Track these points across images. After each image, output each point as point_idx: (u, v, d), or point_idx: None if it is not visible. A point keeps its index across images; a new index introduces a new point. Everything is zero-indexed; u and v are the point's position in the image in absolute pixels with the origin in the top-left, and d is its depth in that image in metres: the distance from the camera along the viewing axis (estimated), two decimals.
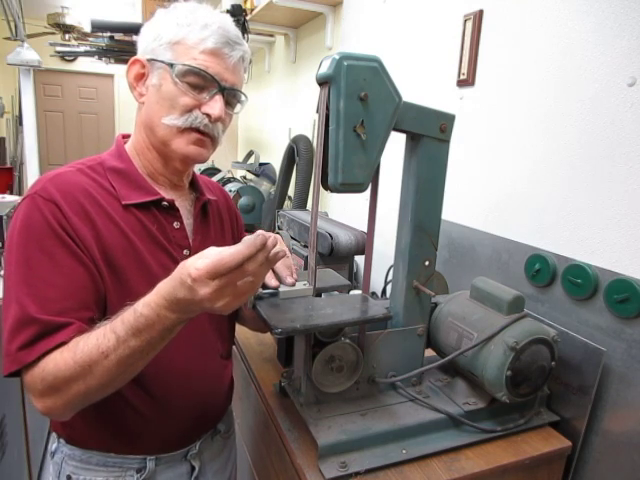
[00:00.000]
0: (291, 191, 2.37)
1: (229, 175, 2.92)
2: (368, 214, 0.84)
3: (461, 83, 1.28)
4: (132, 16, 4.29)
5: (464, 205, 1.26)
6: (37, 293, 0.67)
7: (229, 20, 0.80)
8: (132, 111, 0.86)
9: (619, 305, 0.84)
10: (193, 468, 0.89)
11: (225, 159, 3.42)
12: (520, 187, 1.10)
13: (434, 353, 0.98)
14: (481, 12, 1.20)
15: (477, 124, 1.23)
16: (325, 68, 0.70)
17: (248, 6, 2.57)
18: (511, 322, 0.82)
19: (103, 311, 0.73)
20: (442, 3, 1.36)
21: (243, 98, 0.85)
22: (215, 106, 0.77)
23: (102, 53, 3.13)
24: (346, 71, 0.68)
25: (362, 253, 1.43)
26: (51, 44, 3.65)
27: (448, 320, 0.92)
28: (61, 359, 0.63)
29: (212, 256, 0.56)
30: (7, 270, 0.70)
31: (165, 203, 0.81)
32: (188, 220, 0.86)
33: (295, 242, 1.60)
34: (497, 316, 0.85)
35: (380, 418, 0.82)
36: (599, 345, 0.86)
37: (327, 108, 0.71)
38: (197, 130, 0.78)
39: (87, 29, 3.63)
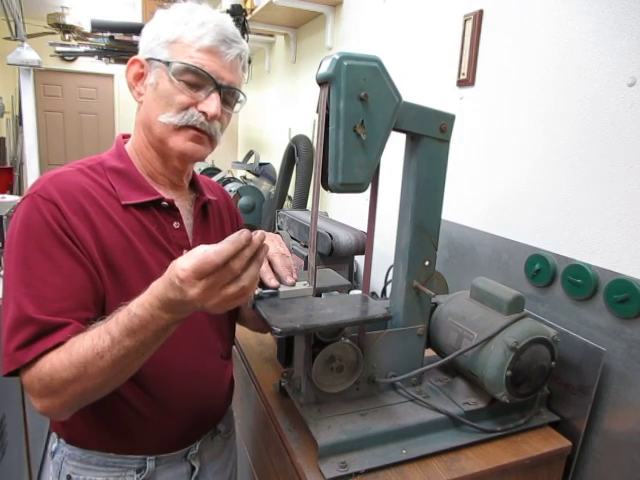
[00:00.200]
0: (291, 191, 2.37)
1: (229, 175, 2.92)
2: (368, 214, 0.84)
3: (461, 83, 1.28)
4: (132, 16, 4.30)
5: (464, 205, 1.26)
6: (35, 293, 0.67)
7: (227, 19, 0.80)
8: (132, 111, 0.86)
9: (619, 305, 0.84)
10: (193, 468, 0.89)
11: (225, 159, 3.42)
12: (520, 187, 1.10)
13: (434, 353, 0.98)
14: (481, 12, 1.20)
15: (477, 124, 1.22)
16: (325, 68, 0.70)
17: (248, 6, 2.57)
18: (511, 322, 0.82)
19: (102, 311, 0.73)
20: (442, 3, 1.36)
21: (242, 97, 0.85)
22: (211, 104, 0.77)
23: (102, 53, 3.13)
24: (346, 71, 0.68)
25: (362, 253, 1.43)
26: (51, 44, 3.65)
27: (448, 320, 0.92)
28: (57, 360, 0.63)
29: (198, 255, 0.55)
30: (6, 270, 0.70)
31: (165, 203, 0.81)
32: (188, 220, 0.86)
33: (295, 242, 1.60)
34: (497, 316, 0.85)
35: (380, 418, 0.82)
36: (599, 345, 0.86)
37: (327, 108, 0.71)
38: (194, 128, 0.78)
39: (87, 29, 3.63)
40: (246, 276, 0.59)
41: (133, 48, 2.82)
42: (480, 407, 0.86)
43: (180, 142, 0.78)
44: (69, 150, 6.12)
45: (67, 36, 4.46)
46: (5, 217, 1.83)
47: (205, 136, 0.80)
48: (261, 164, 2.87)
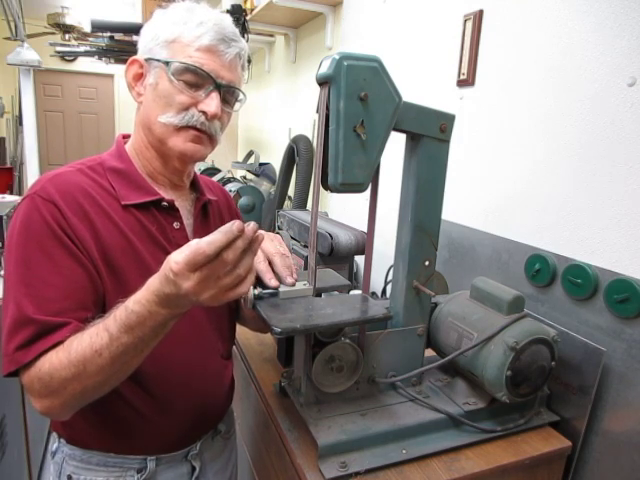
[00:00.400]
0: (291, 191, 2.37)
1: (229, 175, 2.92)
2: (368, 214, 0.84)
3: (461, 83, 1.28)
4: (132, 16, 4.29)
5: (464, 205, 1.26)
6: (35, 293, 0.67)
7: (226, 18, 0.80)
8: (132, 111, 0.86)
9: (619, 305, 0.84)
10: (194, 468, 0.89)
11: (225, 159, 3.42)
12: (520, 187, 1.10)
13: (434, 353, 0.98)
14: (481, 12, 1.20)
15: (477, 124, 1.22)
16: (325, 68, 0.70)
17: (248, 6, 2.57)
18: (511, 322, 0.82)
19: (102, 311, 0.73)
20: (442, 3, 1.36)
21: (241, 96, 0.85)
22: (211, 103, 0.77)
23: (102, 53, 3.13)
24: (346, 71, 0.68)
25: (362, 253, 1.43)
26: (51, 44, 3.66)
27: (448, 320, 0.92)
28: (56, 359, 0.63)
29: (191, 247, 0.55)
30: (7, 270, 0.70)
31: (165, 203, 0.81)
32: (188, 220, 0.86)
33: (295, 242, 1.60)
34: (497, 316, 0.85)
35: (380, 418, 0.82)
36: (599, 345, 0.86)
37: (327, 108, 0.71)
38: (194, 128, 0.78)
39: (87, 29, 3.63)
40: (240, 266, 0.58)
41: (133, 48, 2.81)
42: (480, 407, 0.86)
43: (180, 142, 0.78)
44: (69, 150, 6.12)
45: (67, 36, 4.47)
46: (5, 217, 1.83)
47: (205, 136, 0.80)
48: (261, 164, 2.87)
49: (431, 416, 0.84)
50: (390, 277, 1.05)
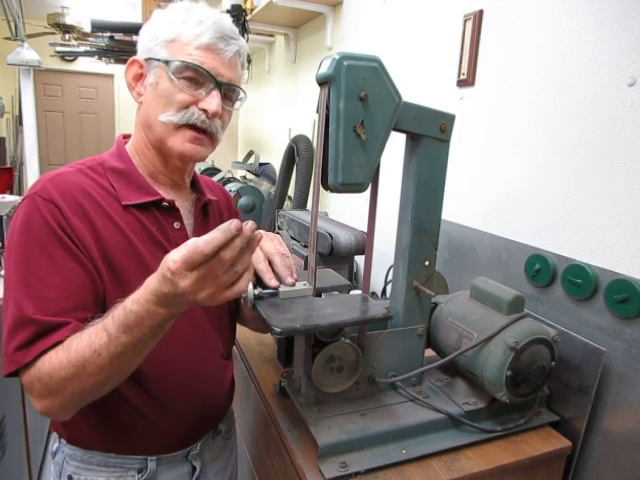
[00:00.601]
0: (291, 191, 2.37)
1: (229, 175, 2.92)
2: (368, 214, 0.84)
3: (461, 83, 1.28)
4: (132, 16, 4.29)
5: (464, 205, 1.26)
6: (35, 293, 0.67)
7: (225, 17, 0.80)
8: (132, 111, 0.86)
9: (619, 305, 0.84)
10: (194, 468, 0.89)
11: (225, 159, 3.42)
12: (520, 187, 1.10)
13: (434, 353, 0.98)
14: (481, 12, 1.20)
15: (477, 124, 1.22)
16: (325, 68, 0.70)
17: (248, 6, 2.57)
18: (511, 322, 0.82)
19: (102, 311, 0.73)
20: (442, 3, 1.36)
21: (242, 94, 0.85)
22: (212, 101, 0.77)
23: (102, 53, 3.13)
24: (346, 71, 0.68)
25: (362, 253, 1.43)
26: (51, 44, 3.66)
27: (448, 320, 0.92)
28: (56, 359, 0.64)
29: (188, 246, 0.55)
30: (7, 270, 0.70)
31: (165, 204, 0.81)
32: (188, 220, 0.86)
33: (295, 242, 1.60)
34: (497, 316, 0.85)
35: (380, 418, 0.82)
36: (599, 345, 0.86)
37: (327, 108, 0.71)
38: (194, 127, 0.78)
39: (87, 29, 3.63)
40: (238, 265, 0.58)
41: (133, 48, 2.81)
42: (480, 407, 0.86)
43: (179, 143, 0.78)
44: (69, 150, 6.12)
45: (67, 36, 4.47)
46: (5, 217, 1.83)
47: (205, 136, 0.80)
48: (261, 164, 2.87)
49: (431, 416, 0.84)
50: (390, 277, 1.05)
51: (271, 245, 0.81)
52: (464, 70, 1.26)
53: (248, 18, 2.48)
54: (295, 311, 0.73)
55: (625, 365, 0.84)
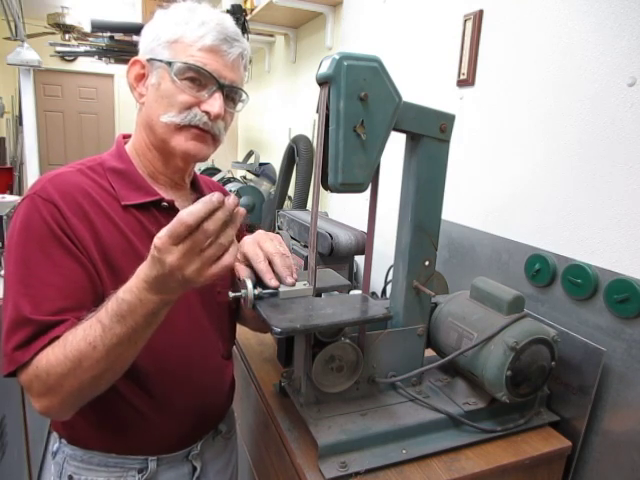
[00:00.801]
0: (291, 191, 2.37)
1: (229, 175, 2.93)
2: (368, 214, 0.84)
3: (461, 83, 1.28)
4: (132, 16, 4.29)
5: (464, 205, 1.26)
6: (34, 293, 0.67)
7: (228, 18, 0.80)
8: (132, 111, 0.86)
9: (619, 305, 0.84)
10: (195, 468, 0.89)
11: (225, 159, 3.42)
12: (520, 187, 1.10)
13: (434, 353, 0.98)
14: (481, 12, 1.20)
15: (477, 124, 1.22)
16: (325, 68, 0.70)
17: (248, 6, 2.57)
18: (511, 322, 0.82)
19: None
20: (442, 3, 1.36)
21: (244, 96, 0.85)
22: (214, 104, 0.77)
23: (102, 53, 3.12)
24: (346, 71, 0.68)
25: (362, 253, 1.43)
26: (51, 44, 3.65)
27: (448, 320, 0.92)
28: (53, 355, 0.64)
29: (172, 221, 0.55)
30: (6, 270, 0.70)
31: (165, 204, 0.81)
32: None
33: (295, 242, 1.60)
34: (497, 316, 0.85)
35: (380, 418, 0.82)
36: (599, 345, 0.86)
37: (327, 108, 0.71)
38: (197, 127, 0.78)
39: (87, 29, 3.63)
40: (222, 237, 0.58)
41: (133, 48, 2.81)
42: (480, 407, 0.86)
43: (182, 141, 0.78)
44: (69, 150, 6.12)
45: (67, 36, 4.47)
46: (5, 217, 1.83)
47: (208, 135, 0.80)
48: (261, 164, 2.87)
49: (431, 416, 0.84)
50: (390, 277, 1.05)
51: (271, 245, 0.81)
52: (464, 70, 1.26)
53: (248, 18, 2.48)
54: (295, 311, 0.73)
55: (625, 365, 0.84)
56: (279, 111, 3.00)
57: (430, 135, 0.81)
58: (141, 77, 0.80)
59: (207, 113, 0.77)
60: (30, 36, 3.41)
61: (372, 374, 0.86)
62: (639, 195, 0.84)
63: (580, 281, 0.91)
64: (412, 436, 0.81)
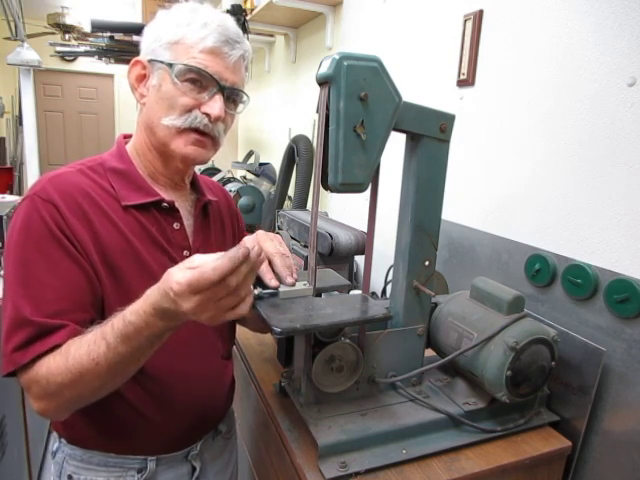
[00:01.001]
0: (291, 191, 2.37)
1: (229, 175, 2.92)
2: (368, 214, 0.84)
3: (461, 83, 1.28)
4: (132, 16, 4.29)
5: (464, 205, 1.26)
6: (33, 294, 0.67)
7: (230, 19, 0.79)
8: (132, 111, 0.87)
9: (619, 305, 0.84)
10: (194, 469, 0.89)
11: (225, 159, 3.42)
12: (520, 187, 1.10)
13: (434, 353, 0.98)
14: (481, 12, 1.20)
15: (477, 124, 1.22)
16: (325, 68, 0.70)
17: (248, 6, 2.57)
18: (511, 322, 0.82)
19: (100, 313, 0.73)
20: (442, 3, 1.36)
21: (245, 98, 0.84)
22: (215, 106, 0.77)
23: (102, 53, 3.12)
24: (346, 71, 0.68)
25: (362, 253, 1.43)
26: (51, 44, 3.65)
27: (448, 320, 0.92)
28: (54, 363, 0.64)
29: (194, 269, 0.54)
30: (6, 270, 0.70)
31: (165, 204, 0.81)
32: (188, 221, 0.86)
33: (295, 242, 1.60)
34: (497, 316, 0.85)
35: (380, 418, 0.82)
36: (599, 345, 0.86)
37: (327, 108, 0.71)
38: (197, 130, 0.78)
39: (87, 29, 3.63)
40: (242, 290, 0.58)
41: (133, 48, 2.81)
42: (480, 407, 0.86)
43: (182, 145, 0.78)
44: (69, 150, 6.12)
45: (67, 36, 4.47)
46: (5, 217, 1.83)
47: (208, 139, 0.80)
48: (261, 164, 2.87)
49: (431, 416, 0.84)
50: (390, 277, 1.05)
51: (271, 245, 0.81)
52: (464, 70, 1.26)
53: (248, 18, 2.48)
54: (295, 311, 0.73)
55: (625, 365, 0.84)
56: (279, 111, 3.00)
57: (430, 135, 0.81)
58: (142, 78, 0.80)
59: (207, 115, 0.77)
60: (30, 36, 3.41)
61: (372, 374, 0.86)
62: (639, 195, 0.84)
63: (580, 281, 0.91)
64: (412, 436, 0.81)
